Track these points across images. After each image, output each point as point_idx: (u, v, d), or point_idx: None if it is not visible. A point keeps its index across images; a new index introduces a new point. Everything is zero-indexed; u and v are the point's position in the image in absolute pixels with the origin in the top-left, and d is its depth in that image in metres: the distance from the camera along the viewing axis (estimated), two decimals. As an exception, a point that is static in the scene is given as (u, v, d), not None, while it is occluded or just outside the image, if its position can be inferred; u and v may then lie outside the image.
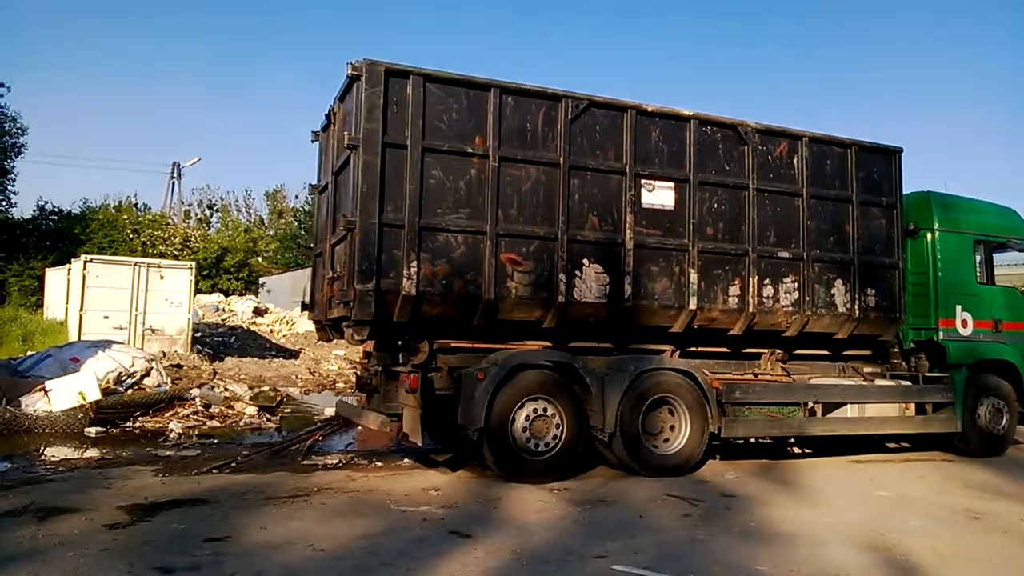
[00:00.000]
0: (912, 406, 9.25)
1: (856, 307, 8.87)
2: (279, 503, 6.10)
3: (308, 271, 35.25)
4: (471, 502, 6.34)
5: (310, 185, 9.29)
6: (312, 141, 9.12)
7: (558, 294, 7.46)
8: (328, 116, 8.20)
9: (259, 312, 29.38)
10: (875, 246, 9.13)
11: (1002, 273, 10.70)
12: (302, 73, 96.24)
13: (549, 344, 7.82)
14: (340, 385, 16.17)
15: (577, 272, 7.59)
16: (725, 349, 8.73)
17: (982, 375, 9.68)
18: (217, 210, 53.39)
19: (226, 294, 34.04)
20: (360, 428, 10.13)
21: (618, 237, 7.77)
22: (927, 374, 9.48)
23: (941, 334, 9.56)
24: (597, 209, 7.72)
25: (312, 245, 9.23)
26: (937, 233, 9.70)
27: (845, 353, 9.41)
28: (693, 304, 8.02)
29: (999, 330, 9.94)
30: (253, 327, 26.00)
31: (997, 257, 10.48)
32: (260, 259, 46.43)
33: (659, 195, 7.98)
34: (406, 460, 8.13)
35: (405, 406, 7.44)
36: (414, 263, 6.96)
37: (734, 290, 8.29)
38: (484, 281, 7.22)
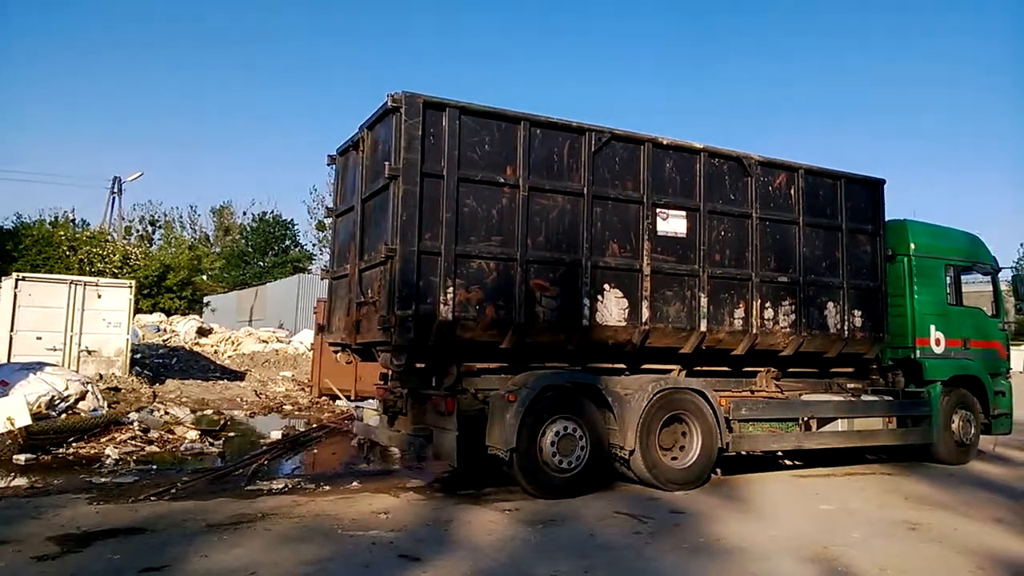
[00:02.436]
0: (894, 419, 9.93)
1: (845, 328, 9.49)
2: (221, 530, 5.92)
3: (254, 290, 35.24)
4: (421, 525, 6.31)
5: (327, 208, 9.42)
6: (328, 164, 9.27)
7: (582, 318, 7.82)
8: (355, 141, 8.36)
9: (203, 332, 28.75)
10: (861, 271, 9.78)
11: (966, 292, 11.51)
12: (250, 86, 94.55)
13: (567, 365, 8.16)
14: (287, 407, 15.87)
15: (599, 297, 7.95)
16: (726, 368, 9.22)
17: (954, 390, 10.44)
18: (160, 226, 52.17)
19: (168, 314, 33.02)
20: (307, 451, 10.34)
21: (636, 263, 8.17)
22: (906, 389, 10.18)
23: (918, 352, 10.28)
24: (617, 237, 8.12)
25: (327, 268, 9.34)
26: (913, 258, 10.44)
27: (832, 371, 10.03)
28: (703, 326, 8.48)
29: (967, 347, 10.74)
30: (196, 348, 25.48)
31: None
32: (205, 277, 45.45)
33: (672, 223, 8.42)
34: (355, 483, 8.03)
35: (437, 428, 7.68)
36: (450, 289, 7.22)
37: (739, 313, 8.79)
38: (515, 306, 7.52)
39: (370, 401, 14.68)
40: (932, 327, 10.40)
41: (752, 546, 5.88)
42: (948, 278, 10.80)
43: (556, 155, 7.86)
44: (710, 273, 8.57)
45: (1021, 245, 61.62)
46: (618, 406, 7.86)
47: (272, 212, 56.07)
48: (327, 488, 7.76)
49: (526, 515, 6.73)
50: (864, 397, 9.85)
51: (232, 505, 6.85)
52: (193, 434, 11.14)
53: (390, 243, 7.12)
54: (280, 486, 7.76)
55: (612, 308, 8.02)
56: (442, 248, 7.21)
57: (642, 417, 7.83)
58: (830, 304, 9.44)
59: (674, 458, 8.20)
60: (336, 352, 9.06)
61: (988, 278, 11.59)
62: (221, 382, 19.16)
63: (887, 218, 10.27)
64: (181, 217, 59.91)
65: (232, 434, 12.06)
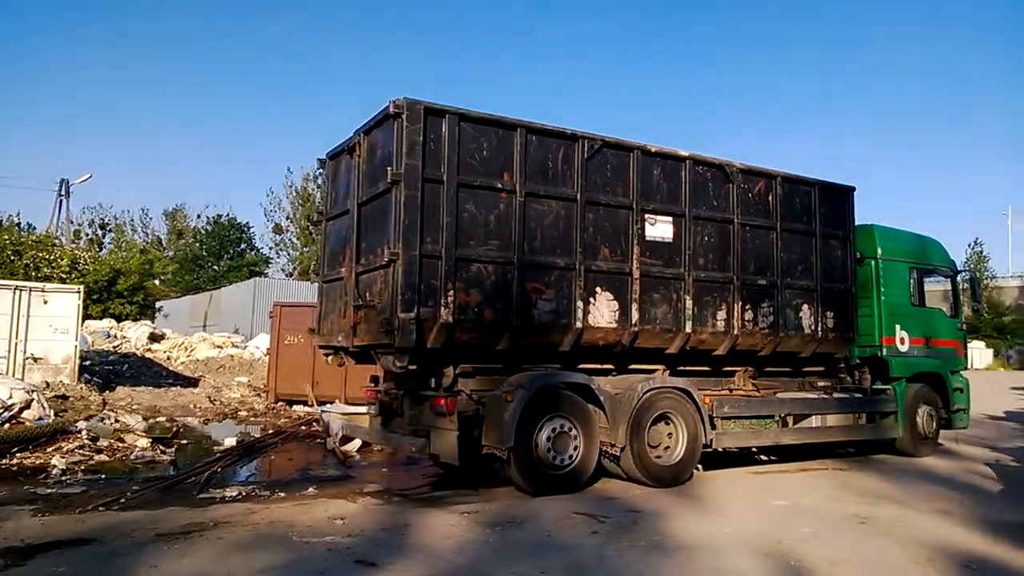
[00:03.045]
0: (864, 415, 10.41)
1: (819, 328, 9.91)
2: (172, 540, 5.77)
3: (208, 295, 34.67)
4: (378, 530, 6.24)
5: (317, 212, 9.50)
6: (318, 169, 9.41)
7: (575, 320, 8.05)
8: (350, 146, 8.44)
9: (155, 338, 28.19)
10: (834, 274, 10.22)
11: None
12: (203, 86, 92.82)
13: (559, 366, 8.38)
14: (243, 414, 15.71)
15: (591, 299, 8.19)
16: (706, 368, 9.54)
17: (918, 386, 10.98)
18: (110, 230, 50.82)
19: (119, 319, 32.14)
20: (263, 457, 10.30)
21: (626, 267, 8.43)
22: (874, 387, 10.66)
23: (884, 351, 10.77)
24: (608, 241, 8.37)
25: (318, 271, 9.41)
26: (880, 261, 10.94)
27: (804, 369, 10.44)
28: (689, 328, 8.79)
29: (929, 346, 11.30)
30: (148, 354, 24.93)
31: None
32: (157, 282, 44.52)
33: (660, 228, 8.71)
34: (312, 489, 7.96)
35: (436, 429, 7.84)
36: (451, 292, 7.38)
37: (721, 315, 9.12)
38: (512, 308, 7.72)
39: (330, 405, 14.80)
40: (897, 327, 10.91)
41: (707, 542, 6.02)
42: (912, 280, 11.35)
43: (551, 161, 8.08)
44: (695, 276, 8.88)
45: (969, 246, 64.10)
46: (609, 405, 8.10)
47: (227, 215, 55.37)
48: (282, 495, 7.69)
49: (485, 517, 6.76)
50: (836, 395, 10.29)
51: (184, 514, 6.71)
52: (144, 442, 10.89)
53: (393, 247, 7.25)
54: (234, 493, 7.68)
55: (603, 310, 8.27)
56: (443, 252, 7.36)
57: (632, 415, 8.08)
58: (805, 306, 9.84)
59: (658, 456, 8.46)
60: (328, 355, 9.12)
61: (947, 280, 12.21)
62: (174, 389, 18.81)
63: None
64: (132, 220, 58.66)
65: (185, 442, 11.85)
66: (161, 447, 10.75)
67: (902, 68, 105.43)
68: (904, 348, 10.94)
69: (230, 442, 11.19)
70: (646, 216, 8.61)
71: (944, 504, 7.71)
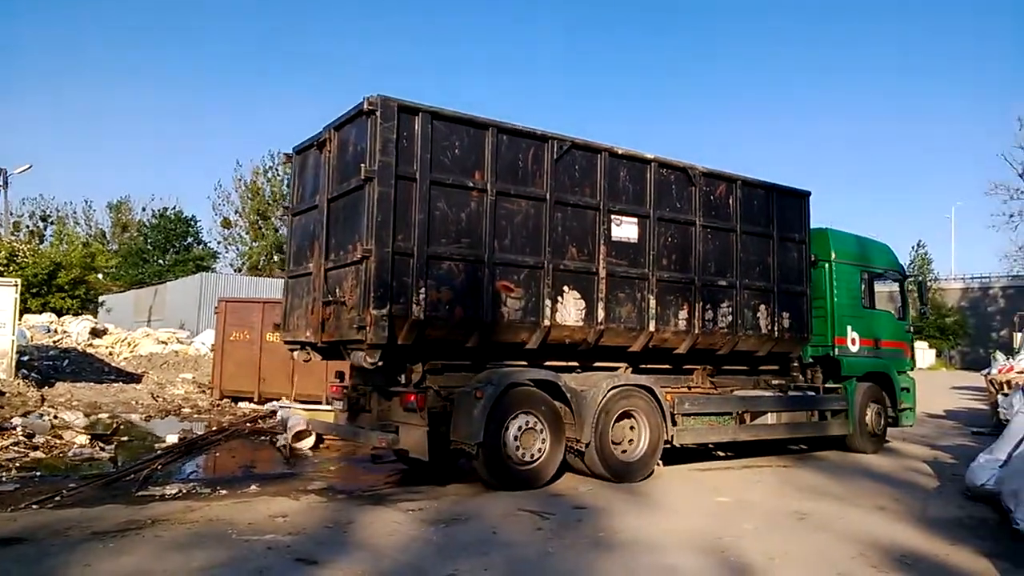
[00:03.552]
0: (816, 413, 10.76)
1: (775, 328, 10.21)
2: (107, 538, 5.63)
3: (153, 289, 33.75)
4: (321, 527, 6.18)
5: (283, 207, 9.45)
6: (283, 163, 9.29)
7: (543, 318, 8.17)
8: (319, 141, 8.42)
9: (97, 333, 27.40)
10: (789, 276, 10.54)
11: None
12: (150, 76, 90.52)
13: (525, 364, 8.49)
14: (186, 410, 15.46)
15: (559, 298, 8.32)
16: (667, 366, 9.75)
17: (868, 385, 11.39)
18: (52, 222, 49.13)
19: (59, 314, 31.05)
20: (206, 455, 10.18)
21: (593, 266, 8.58)
22: (826, 385, 11.02)
23: (836, 351, 11.15)
24: (576, 241, 8.51)
25: (284, 266, 9.36)
26: (834, 264, 11.33)
27: (759, 368, 10.74)
28: (652, 327, 8.98)
29: (879, 347, 11.73)
30: (90, 349, 24.20)
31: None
32: (100, 276, 43.35)
33: (625, 229, 8.89)
34: (254, 487, 7.83)
35: (405, 424, 7.88)
36: (422, 289, 7.43)
37: (683, 314, 9.33)
38: (482, 306, 7.80)
39: (277, 402, 14.68)
40: (849, 328, 11.31)
41: (649, 539, 6.10)
42: (863, 283, 11.78)
43: (521, 161, 8.18)
44: (658, 277, 9.08)
45: (913, 248, 66.14)
46: (576, 402, 8.23)
47: (173, 208, 54.14)
48: (223, 492, 7.56)
49: (430, 515, 6.75)
50: (790, 393, 10.61)
51: (121, 512, 6.55)
52: (83, 439, 10.66)
53: (365, 244, 7.27)
54: (173, 491, 7.54)
55: (571, 309, 8.40)
56: (414, 249, 7.41)
57: (597, 412, 8.22)
58: (762, 307, 10.13)
59: (623, 451, 8.63)
60: (293, 351, 9.08)
61: (896, 284, 12.68)
62: (116, 385, 18.29)
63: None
64: (75, 212, 57.08)
65: (125, 438, 11.55)
66: (100, 444, 10.51)
67: (847, 68, 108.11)
68: (855, 348, 11.33)
69: (172, 439, 10.99)
70: (612, 217, 8.77)
71: (883, 500, 7.95)
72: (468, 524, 6.47)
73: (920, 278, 12.84)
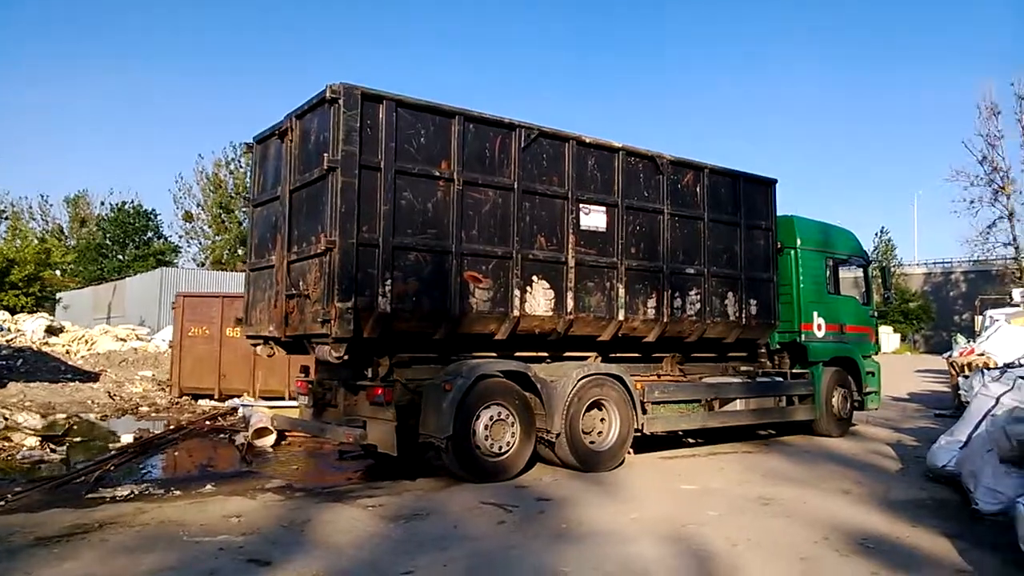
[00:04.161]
0: (784, 398, 10.84)
1: (743, 315, 10.24)
2: (51, 543, 5.45)
3: (112, 285, 33.12)
4: (276, 527, 6.01)
5: (244, 198, 9.24)
6: (244, 153, 9.13)
7: (512, 308, 8.09)
8: (280, 130, 8.22)
9: (53, 331, 26.75)
10: (756, 263, 10.58)
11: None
12: (108, 70, 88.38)
13: (495, 355, 8.40)
14: (144, 409, 15.04)
15: (528, 288, 8.24)
16: (636, 354, 9.74)
17: (834, 370, 11.49)
18: (6, 217, 47.69)
19: (13, 312, 30.29)
20: (161, 454, 9.93)
21: (561, 256, 8.51)
22: (793, 371, 11.10)
23: (803, 336, 11.22)
24: (544, 230, 8.43)
25: (247, 259, 9.16)
26: (799, 251, 11.39)
27: (727, 355, 10.78)
28: (621, 315, 8.94)
29: (844, 332, 11.84)
30: (46, 348, 23.61)
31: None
32: (59, 273, 42.36)
33: (594, 218, 8.83)
34: (209, 487, 7.60)
35: (372, 419, 7.76)
36: (388, 281, 7.30)
37: (651, 302, 9.31)
38: (449, 297, 7.70)
39: (239, 399, 14.45)
40: (815, 313, 11.39)
41: (613, 529, 6.06)
42: (828, 269, 11.85)
43: (488, 150, 8.07)
44: (627, 265, 9.04)
45: (876, 235, 67.09)
46: (546, 392, 8.17)
47: (133, 202, 52.94)
48: (178, 493, 7.34)
49: (391, 511, 6.60)
50: (758, 379, 10.67)
51: (68, 516, 6.32)
52: (33, 440, 10.29)
53: (329, 235, 7.11)
54: (125, 493, 7.29)
55: (540, 299, 8.33)
56: (380, 240, 7.27)
57: (567, 402, 8.18)
58: (730, 294, 10.15)
59: (592, 442, 8.58)
60: (256, 346, 8.89)
61: (860, 269, 12.81)
62: (72, 384, 17.84)
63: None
64: (31, 207, 55.62)
65: (79, 439, 11.21)
66: (51, 445, 10.15)
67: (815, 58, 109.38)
68: (821, 334, 11.42)
69: (127, 439, 10.68)
70: (581, 205, 8.70)
71: (846, 484, 8.01)
72: (429, 519, 6.36)
73: (883, 263, 13.01)
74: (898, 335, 59.24)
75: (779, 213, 11.18)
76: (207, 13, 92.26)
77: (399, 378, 7.83)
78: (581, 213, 8.70)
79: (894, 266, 61.88)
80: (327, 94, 7.20)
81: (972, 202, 47.58)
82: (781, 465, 9.21)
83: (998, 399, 8.03)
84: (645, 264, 9.26)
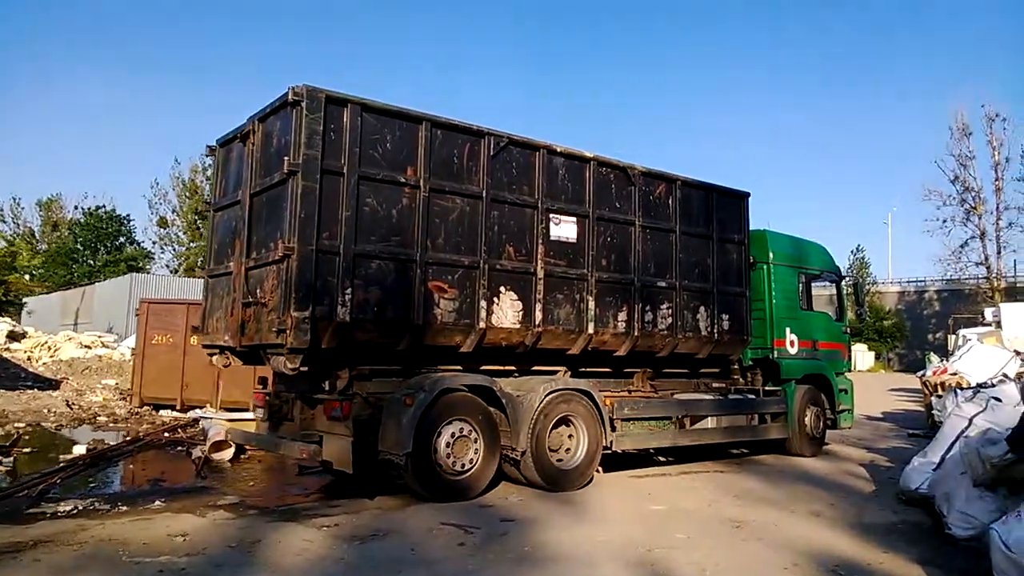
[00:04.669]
0: (756, 416, 10.67)
1: (715, 330, 10.07)
2: None
3: (81, 291, 32.59)
4: (223, 547, 5.76)
5: (205, 202, 8.92)
6: (206, 156, 8.81)
7: (479, 320, 7.85)
8: (242, 133, 7.96)
9: (15, 336, 26.28)
10: (729, 277, 10.42)
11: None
12: (82, 72, 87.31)
13: (460, 368, 8.16)
14: (102, 419, 14.67)
15: (495, 299, 8.01)
16: (607, 369, 9.53)
17: (807, 387, 11.33)
18: None
19: (-28, 316, 29.99)
20: (114, 467, 9.65)
21: (530, 266, 8.30)
22: (765, 388, 10.94)
23: (775, 353, 11.06)
24: (513, 240, 8.21)
25: (206, 264, 8.86)
26: (772, 266, 11.24)
27: (700, 371, 10.60)
28: (591, 328, 8.73)
29: (816, 348, 11.70)
30: (6, 354, 23.20)
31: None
32: (27, 278, 41.49)
33: (564, 228, 8.62)
34: (158, 503, 7.31)
35: (328, 434, 7.46)
36: (348, 290, 7.05)
37: (622, 316, 9.11)
38: (413, 308, 7.44)
39: (201, 410, 14.09)
40: (788, 329, 11.24)
41: (577, 552, 5.87)
42: (800, 284, 11.71)
43: (456, 157, 7.85)
44: (597, 277, 8.84)
45: (852, 252, 67.58)
46: (511, 408, 7.93)
47: (107, 206, 52.08)
48: (124, 509, 7.04)
49: (347, 531, 6.36)
50: (730, 396, 10.50)
51: (2, 533, 6.04)
52: None
53: (287, 241, 6.84)
54: (69, 508, 7.00)
55: (507, 310, 8.10)
56: (341, 248, 7.02)
57: (534, 418, 7.94)
58: (702, 308, 9.98)
59: (560, 459, 8.35)
60: (212, 355, 8.58)
61: (833, 285, 12.70)
62: (31, 391, 17.50)
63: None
64: (1, 210, 54.56)
65: (29, 450, 10.86)
66: None
67: (786, 72, 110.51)
68: (793, 350, 11.28)
69: (79, 450, 10.33)
70: (551, 216, 8.50)
71: (818, 506, 7.83)
72: (386, 540, 6.08)
73: (857, 279, 12.90)
74: (872, 353, 59.50)
75: (753, 227, 11.07)
76: (189, 13, 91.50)
77: (359, 391, 7.55)
78: (551, 223, 8.50)
79: (869, 284, 62.23)
80: (289, 96, 6.96)
81: (944, 221, 48.41)
82: (753, 485, 9.02)
83: (971, 420, 7.90)
84: (616, 276, 9.06)
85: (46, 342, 26.24)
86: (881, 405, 21.42)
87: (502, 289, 8.07)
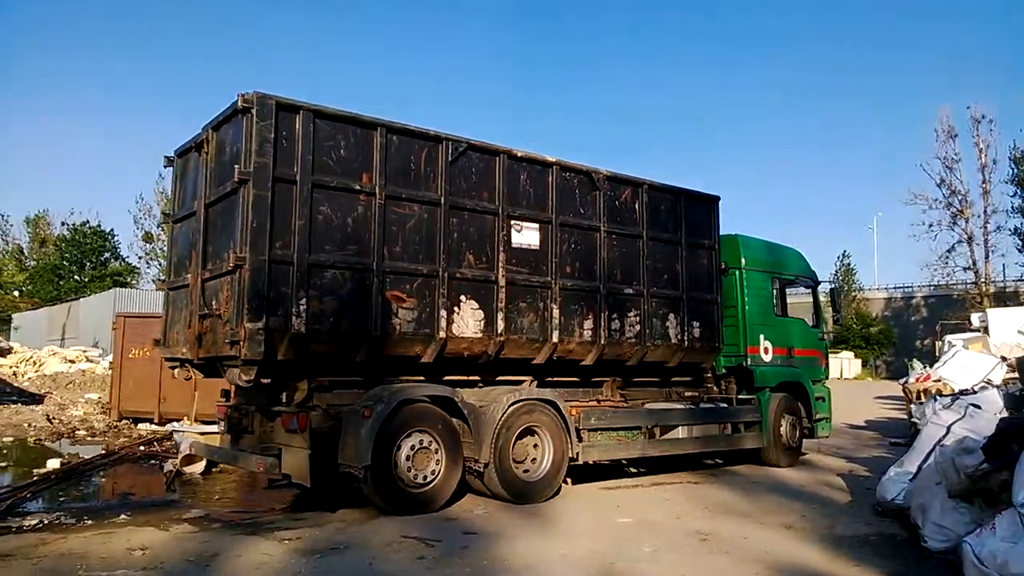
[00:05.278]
0: (729, 426, 10.51)
1: (685, 338, 9.94)
2: None
3: (66, 306, 32.46)
4: (181, 561, 5.72)
5: (163, 213, 8.83)
6: (165, 166, 8.71)
7: (439, 330, 7.73)
8: (197, 143, 7.86)
9: (0, 352, 26.28)
10: (699, 283, 10.28)
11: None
12: (68, 79, 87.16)
13: (422, 379, 8.02)
14: (80, 433, 14.64)
15: (456, 308, 7.89)
16: (575, 378, 9.39)
17: (782, 396, 11.17)
18: None
19: (-42, 332, 29.79)
20: (86, 481, 9.56)
21: (491, 274, 8.19)
22: (739, 396, 10.80)
23: (749, 360, 10.92)
24: (473, 248, 8.11)
25: (164, 277, 8.73)
26: (744, 272, 11.11)
27: (671, 380, 10.47)
28: (555, 337, 8.61)
29: (792, 356, 11.55)
30: (-9, 369, 23.27)
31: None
32: (16, 293, 41.25)
33: (526, 235, 8.52)
34: (123, 516, 7.29)
35: (287, 447, 7.33)
36: (303, 301, 6.93)
37: (588, 324, 8.99)
38: (370, 318, 7.33)
39: (178, 423, 13.92)
40: (762, 336, 11.10)
41: (538, 566, 5.78)
42: (775, 290, 11.58)
43: (413, 163, 7.75)
44: (561, 285, 8.72)
45: (838, 258, 67.51)
46: (473, 419, 7.79)
47: (93, 222, 51.84)
48: (89, 522, 7.03)
49: (307, 544, 6.30)
50: (702, 405, 10.35)
51: None
52: None
53: (239, 251, 6.73)
54: (34, 522, 6.97)
55: (468, 320, 7.98)
56: (294, 257, 6.91)
57: (497, 429, 7.81)
58: (671, 315, 9.86)
59: (526, 471, 8.22)
60: (174, 368, 8.45)
61: (809, 291, 12.58)
62: (14, 406, 17.43)
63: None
64: (-11, 228, 54.25)
65: (4, 464, 10.87)
66: None
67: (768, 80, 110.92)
68: (768, 358, 11.14)
69: (53, 464, 10.21)
70: (512, 222, 8.40)
71: (790, 518, 7.67)
72: (345, 554, 6.00)
73: (833, 285, 12.75)
74: (859, 360, 59.27)
75: (726, 232, 10.98)
76: (174, 16, 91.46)
77: (319, 403, 7.43)
78: (513, 230, 8.39)
79: (855, 291, 61.98)
80: (239, 103, 6.88)
81: (931, 226, 48.15)
82: (725, 496, 8.87)
83: (949, 428, 7.74)
84: (581, 284, 8.94)
85: (31, 357, 26.17)
86: (864, 413, 21.25)
87: (463, 298, 7.95)
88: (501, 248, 8.26)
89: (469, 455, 7.76)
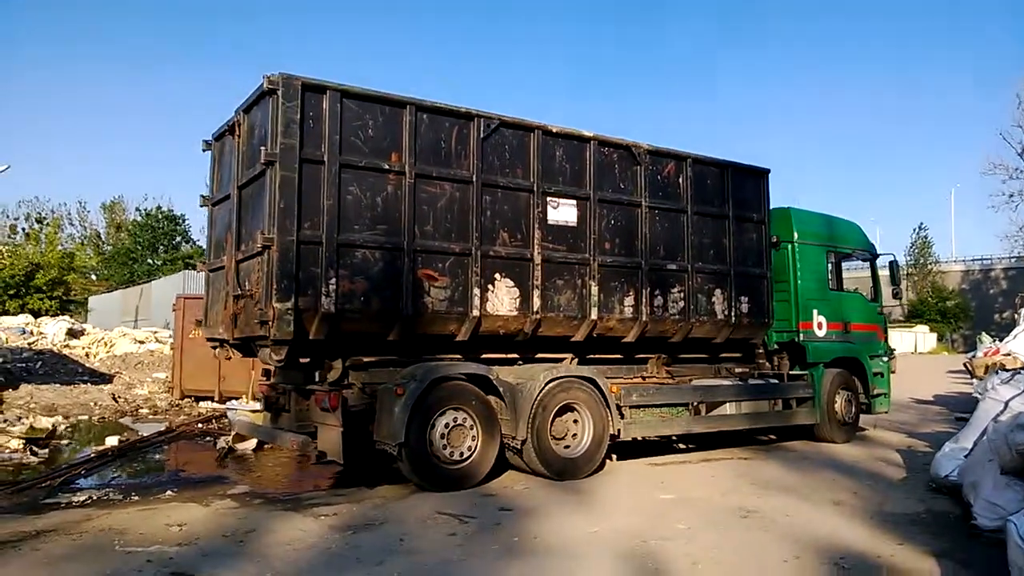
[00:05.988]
0: (780, 402, 10.21)
1: (732, 314, 9.65)
2: None
3: (139, 288, 33.26)
4: (216, 537, 5.77)
5: (202, 196, 8.92)
6: (203, 151, 8.81)
7: (472, 308, 7.66)
8: (231, 126, 7.92)
9: (74, 334, 27.02)
10: (747, 258, 9.96)
11: (847, 278, 11.95)
12: (139, 75, 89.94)
13: (459, 357, 7.98)
14: (143, 411, 15.00)
15: (490, 286, 7.80)
16: (618, 355, 9.22)
17: (837, 371, 10.80)
18: (47, 224, 48.24)
19: (36, 315, 30.64)
20: (142, 458, 9.71)
21: (527, 252, 8.06)
22: (791, 372, 10.47)
23: (801, 336, 10.57)
24: (508, 225, 7.98)
25: (205, 260, 8.87)
26: (797, 245, 10.73)
27: (720, 356, 10.20)
28: (594, 315, 8.45)
29: (848, 331, 11.14)
30: (66, 350, 23.74)
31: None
32: (94, 277, 42.84)
33: (563, 212, 8.35)
34: (169, 492, 7.39)
35: (322, 425, 7.39)
36: (332, 280, 6.93)
37: (629, 301, 8.80)
38: (402, 297, 7.29)
39: (236, 401, 14.24)
40: (815, 311, 10.72)
41: (568, 543, 5.67)
42: (829, 264, 11.17)
43: (444, 141, 7.65)
44: (600, 261, 8.54)
45: (914, 230, 65.24)
46: (510, 396, 7.73)
47: (159, 207, 53.49)
48: (136, 499, 7.14)
49: (343, 520, 6.30)
50: (751, 381, 10.06)
51: (11, 524, 6.12)
52: (15, 443, 10.11)
53: (267, 232, 6.77)
54: (83, 498, 7.09)
55: (503, 298, 7.88)
56: (323, 237, 6.91)
57: (534, 406, 7.72)
58: (718, 291, 9.58)
59: (567, 447, 8.12)
60: (214, 348, 8.61)
61: (867, 264, 12.09)
62: (83, 386, 17.90)
63: (772, 206, 10.51)
64: (69, 214, 56.41)
65: (65, 442, 11.15)
66: (33, 448, 9.99)
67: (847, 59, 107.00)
68: (821, 333, 10.76)
69: (111, 442, 10.48)
70: (548, 199, 8.24)
71: (840, 495, 7.42)
72: (378, 530, 6.01)
73: (892, 257, 12.21)
74: (935, 335, 57.30)
75: (788, 205, 10.62)
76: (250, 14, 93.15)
77: (355, 381, 7.48)
78: (549, 207, 8.23)
79: (931, 263, 59.92)
80: (265, 85, 6.87)
81: (1011, 196, 46.05)
82: (775, 473, 8.63)
83: (1007, 403, 7.39)
84: (621, 260, 8.74)
85: (103, 338, 27.00)
86: (934, 388, 20.44)
87: (497, 276, 7.86)
88: (536, 225, 8.11)
89: (507, 432, 7.71)
